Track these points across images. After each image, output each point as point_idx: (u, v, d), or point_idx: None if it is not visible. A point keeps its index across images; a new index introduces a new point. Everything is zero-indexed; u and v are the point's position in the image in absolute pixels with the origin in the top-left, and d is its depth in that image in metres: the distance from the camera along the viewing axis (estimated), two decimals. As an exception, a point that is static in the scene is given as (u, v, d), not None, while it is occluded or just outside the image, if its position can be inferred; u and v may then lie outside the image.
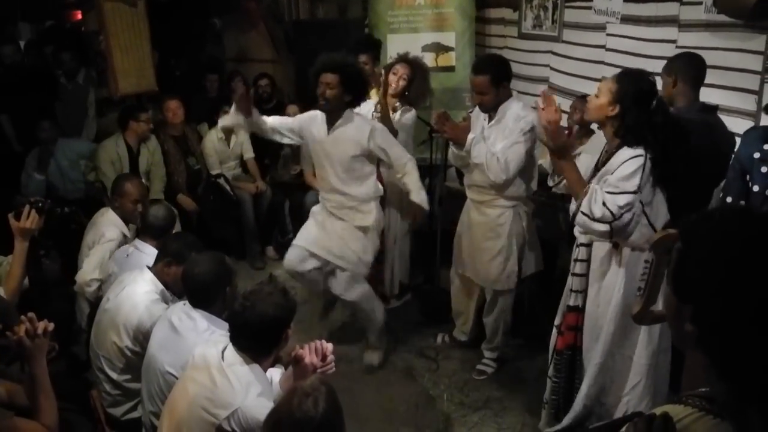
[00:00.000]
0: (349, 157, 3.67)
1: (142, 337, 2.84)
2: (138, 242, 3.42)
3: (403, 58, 4.44)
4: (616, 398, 3.06)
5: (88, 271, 3.62)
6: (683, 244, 1.24)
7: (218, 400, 2.18)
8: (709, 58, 3.61)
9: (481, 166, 3.50)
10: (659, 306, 2.73)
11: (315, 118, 3.80)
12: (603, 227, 2.74)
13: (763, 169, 2.87)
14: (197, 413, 2.20)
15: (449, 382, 3.89)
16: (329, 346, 2.35)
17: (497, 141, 3.50)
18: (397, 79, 4.28)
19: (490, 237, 3.71)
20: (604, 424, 2.94)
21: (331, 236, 3.80)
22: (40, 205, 3.01)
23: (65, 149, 5.46)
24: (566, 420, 3.11)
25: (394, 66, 4.36)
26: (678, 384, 1.35)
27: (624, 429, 1.19)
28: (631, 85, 2.71)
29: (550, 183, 3.22)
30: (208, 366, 2.26)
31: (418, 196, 3.80)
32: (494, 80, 3.48)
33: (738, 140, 3.05)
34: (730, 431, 1.13)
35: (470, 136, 3.50)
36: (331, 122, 3.68)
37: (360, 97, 3.70)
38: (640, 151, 2.68)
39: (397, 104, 4.33)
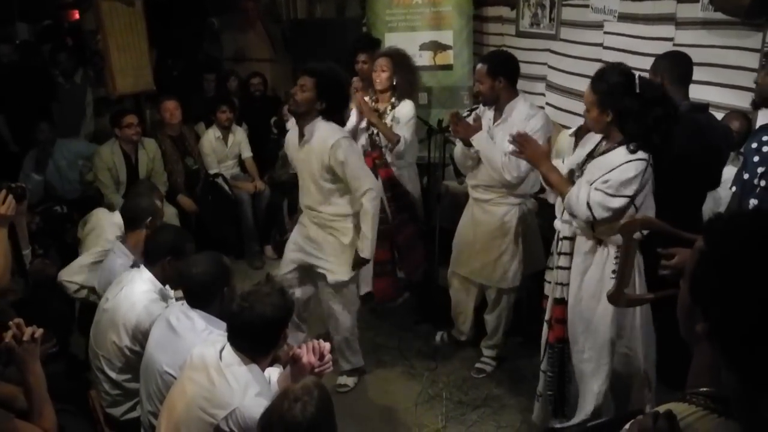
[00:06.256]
0: (316, 171, 3.43)
1: (141, 337, 2.83)
2: (116, 244, 3.34)
3: (382, 53, 4.49)
4: (617, 396, 3.08)
5: (72, 270, 3.59)
6: (706, 245, 1.19)
7: (216, 400, 2.18)
8: (706, 55, 3.63)
9: (493, 164, 3.51)
10: (639, 288, 2.80)
11: (290, 136, 3.65)
12: (585, 225, 2.82)
13: (755, 159, 2.91)
14: (195, 413, 2.20)
15: (448, 380, 3.89)
16: (327, 346, 2.35)
17: (504, 141, 3.49)
18: (379, 73, 4.28)
19: (496, 235, 3.71)
20: (604, 422, 2.97)
21: (313, 241, 3.63)
22: (19, 191, 2.84)
23: (63, 149, 5.47)
24: (576, 419, 3.11)
25: (376, 62, 4.37)
26: (676, 381, 1.34)
27: (628, 426, 1.19)
28: (606, 86, 2.70)
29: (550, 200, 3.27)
30: (206, 366, 2.25)
31: (362, 241, 3.47)
32: (491, 71, 3.50)
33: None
34: (733, 429, 1.12)
35: (478, 134, 3.53)
36: (301, 132, 3.46)
37: (335, 108, 3.46)
38: (642, 155, 2.67)
39: (393, 99, 4.34)
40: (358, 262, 3.56)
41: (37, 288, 3.52)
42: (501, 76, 3.53)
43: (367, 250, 3.49)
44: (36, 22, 8.54)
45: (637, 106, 2.64)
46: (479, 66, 3.58)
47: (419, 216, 4.56)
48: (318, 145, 3.39)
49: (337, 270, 3.58)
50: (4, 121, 5.98)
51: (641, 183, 2.68)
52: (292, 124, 3.77)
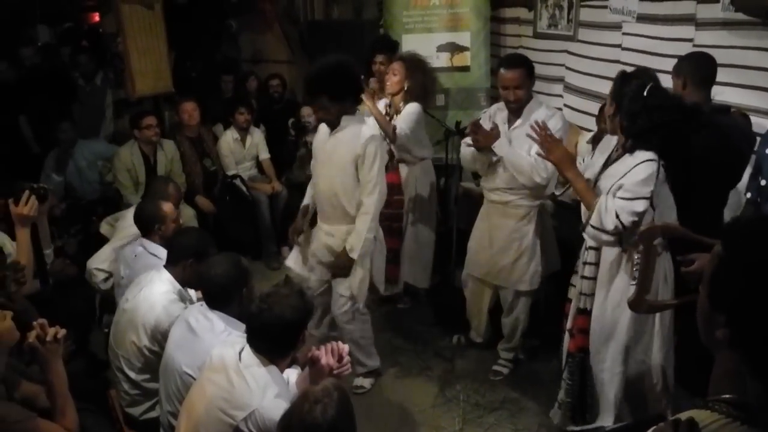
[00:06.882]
0: (340, 162, 3.46)
1: (160, 337, 2.86)
2: (145, 241, 3.38)
3: (398, 57, 4.51)
4: (634, 402, 3.05)
5: (101, 257, 3.63)
6: (725, 250, 1.17)
7: (235, 402, 2.19)
8: (727, 56, 3.58)
9: (521, 168, 3.47)
10: (664, 295, 2.78)
11: (322, 126, 3.64)
12: (614, 238, 2.79)
13: None
14: (214, 414, 2.21)
15: (465, 382, 3.88)
16: (345, 348, 2.36)
17: (524, 144, 3.46)
18: (390, 76, 4.31)
19: (515, 238, 3.69)
20: (622, 426, 2.95)
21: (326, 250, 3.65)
22: (41, 191, 2.94)
23: (84, 150, 5.53)
24: (595, 424, 3.11)
25: (390, 65, 4.40)
26: (698, 387, 1.33)
27: None
28: (619, 80, 2.79)
29: (557, 192, 3.23)
30: (226, 367, 2.27)
31: (354, 238, 3.45)
32: (528, 73, 3.51)
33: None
34: None
35: (499, 141, 3.51)
36: (332, 127, 3.52)
37: (353, 97, 3.54)
38: (651, 155, 2.68)
39: (401, 104, 4.35)
40: (342, 264, 3.50)
41: (57, 287, 3.57)
42: (533, 77, 3.56)
43: (356, 249, 3.44)
44: (57, 25, 8.64)
45: (638, 107, 2.67)
46: (514, 72, 3.48)
47: (403, 232, 4.54)
48: (351, 135, 3.44)
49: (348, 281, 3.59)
50: (26, 122, 6.05)
51: (655, 183, 2.68)
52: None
